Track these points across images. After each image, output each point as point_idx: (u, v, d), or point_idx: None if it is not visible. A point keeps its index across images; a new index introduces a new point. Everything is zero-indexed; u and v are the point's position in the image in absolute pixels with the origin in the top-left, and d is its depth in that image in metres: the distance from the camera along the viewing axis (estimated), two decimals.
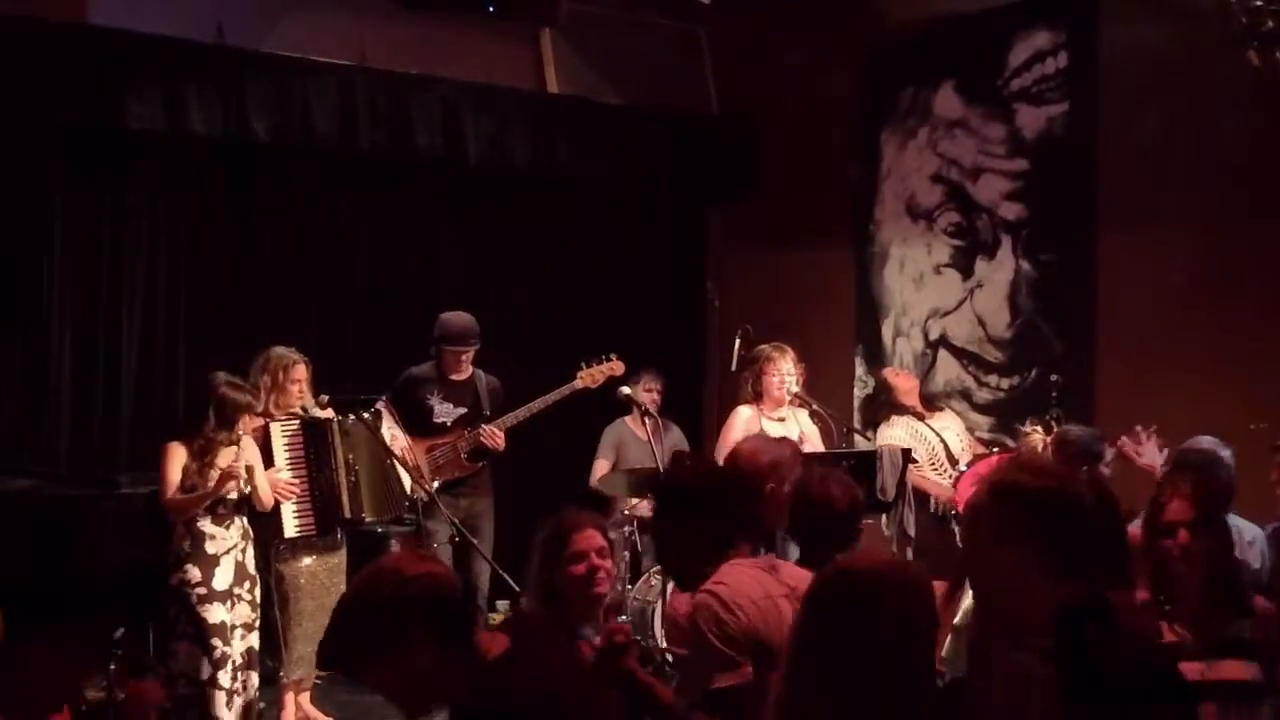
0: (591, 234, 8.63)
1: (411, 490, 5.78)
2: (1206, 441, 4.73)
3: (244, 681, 5.40)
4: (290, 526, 5.63)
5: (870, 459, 5.86)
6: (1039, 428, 6.14)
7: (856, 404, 8.11)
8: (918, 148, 7.87)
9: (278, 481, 5.59)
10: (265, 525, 5.61)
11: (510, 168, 7.96)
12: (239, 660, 5.35)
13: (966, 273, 7.60)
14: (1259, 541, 4.57)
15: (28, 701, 2.88)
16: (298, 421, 5.73)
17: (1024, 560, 2.26)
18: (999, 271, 7.39)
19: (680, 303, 9.01)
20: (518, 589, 5.84)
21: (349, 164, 7.62)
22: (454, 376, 6.42)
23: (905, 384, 6.73)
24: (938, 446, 6.45)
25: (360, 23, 7.58)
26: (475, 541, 5.62)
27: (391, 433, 5.98)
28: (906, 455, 5.96)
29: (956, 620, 4.84)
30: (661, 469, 6.07)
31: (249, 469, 5.35)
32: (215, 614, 5.29)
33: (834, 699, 2.18)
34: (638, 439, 7.30)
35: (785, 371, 6.07)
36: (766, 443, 4.18)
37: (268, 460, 5.60)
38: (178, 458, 5.32)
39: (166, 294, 7.27)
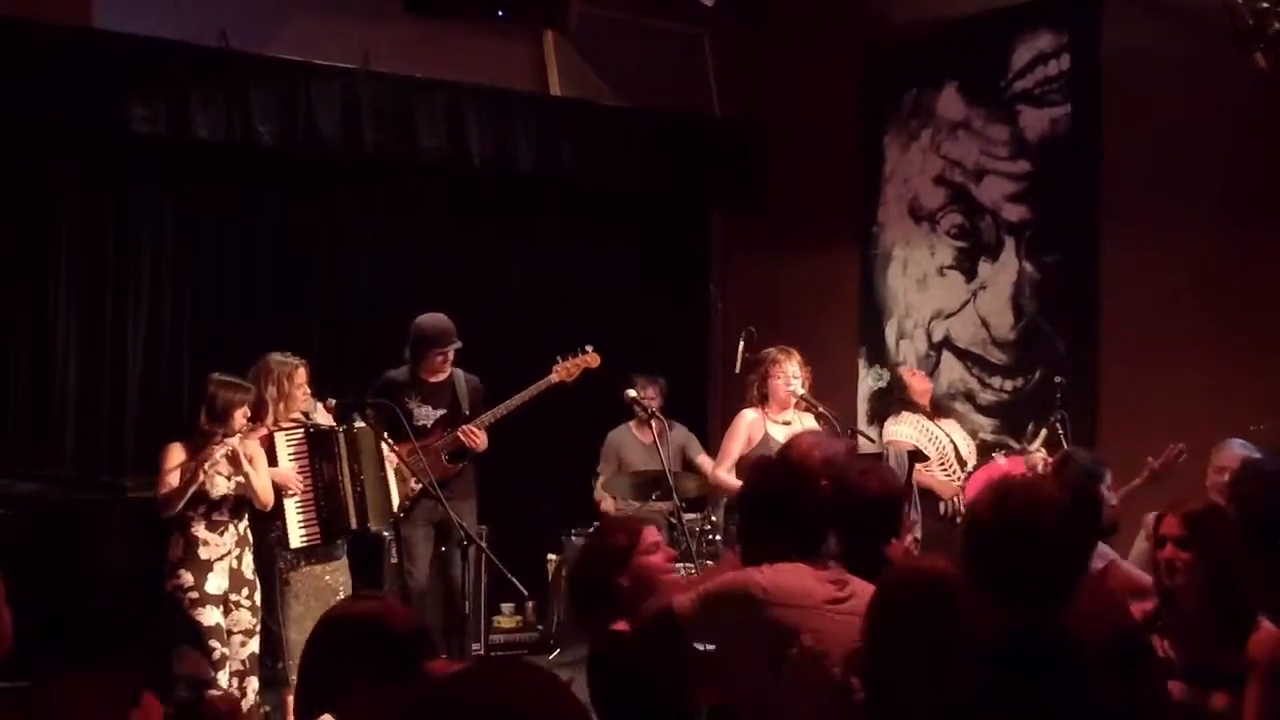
0: (594, 237, 8.63)
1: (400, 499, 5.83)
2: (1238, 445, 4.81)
3: (245, 687, 5.39)
4: (295, 537, 5.61)
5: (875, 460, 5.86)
6: (1040, 447, 6.15)
7: (866, 397, 8.10)
8: (920, 149, 7.88)
9: (286, 475, 5.58)
10: (267, 529, 5.62)
11: (514, 170, 7.97)
12: (239, 666, 5.36)
13: (970, 274, 7.60)
14: None
15: None
16: (301, 431, 5.71)
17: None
18: (1002, 273, 7.39)
19: (683, 305, 9.01)
20: (524, 591, 5.91)
21: (353, 167, 7.63)
22: (434, 379, 6.29)
23: (920, 385, 6.73)
24: (948, 447, 6.45)
25: (363, 26, 7.58)
26: (481, 543, 5.62)
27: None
28: (913, 456, 5.96)
29: None
30: (668, 471, 6.10)
31: (249, 459, 5.34)
32: (209, 617, 5.29)
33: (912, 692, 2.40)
34: (640, 443, 7.32)
35: (792, 374, 6.06)
36: (821, 439, 4.18)
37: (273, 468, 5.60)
38: (175, 457, 5.32)
39: (171, 297, 7.28)
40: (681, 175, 8.58)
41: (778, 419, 6.09)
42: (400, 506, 6.01)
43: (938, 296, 7.80)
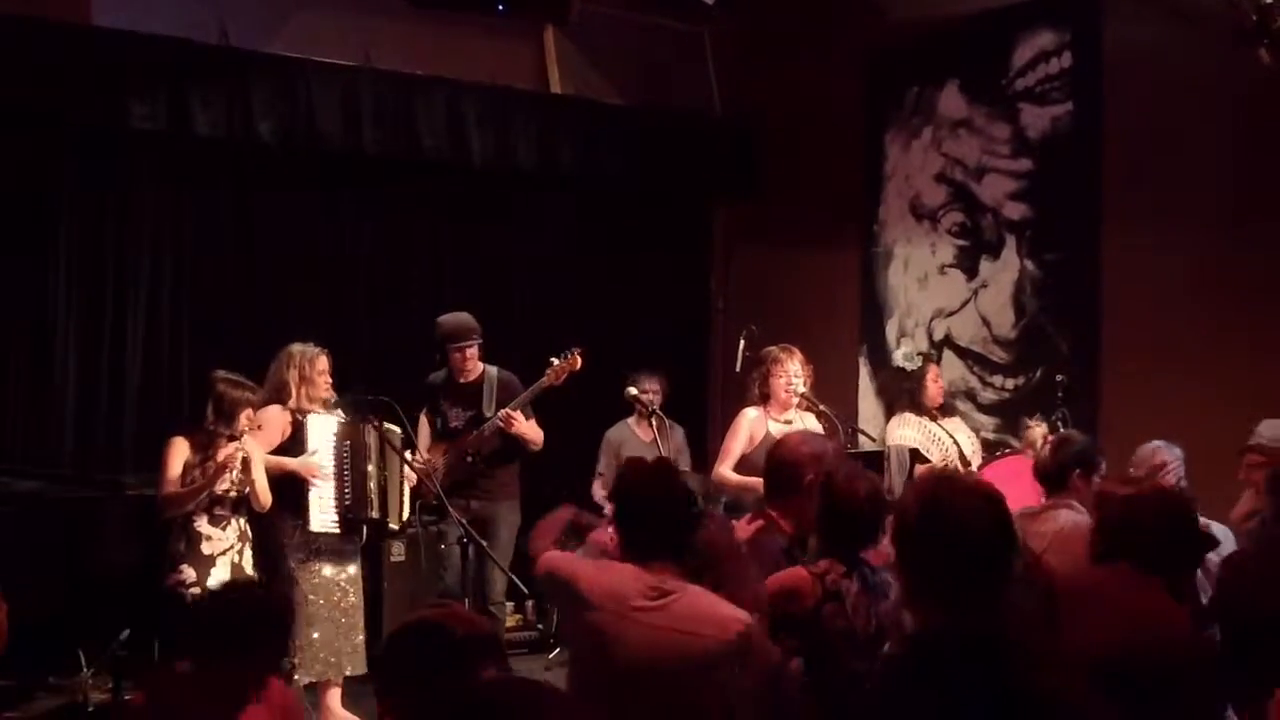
0: (595, 235, 8.63)
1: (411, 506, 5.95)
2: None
3: None
4: (316, 521, 5.66)
5: (877, 459, 5.86)
6: (1043, 423, 6.15)
7: (874, 391, 8.09)
8: (922, 147, 7.87)
9: (311, 464, 5.62)
10: (268, 527, 5.62)
11: (514, 168, 7.97)
12: None
13: (971, 273, 7.60)
14: (1228, 541, 4.57)
15: None
16: (337, 421, 5.77)
17: None
18: (1003, 271, 7.39)
19: (684, 304, 9.01)
20: (526, 591, 5.89)
21: (353, 164, 7.62)
22: (462, 378, 6.41)
23: (935, 390, 6.74)
24: (951, 448, 6.45)
25: (364, 23, 7.58)
26: (485, 543, 5.62)
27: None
28: (914, 455, 5.95)
29: None
30: None
31: (245, 462, 5.34)
32: None
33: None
34: (640, 440, 7.30)
35: (793, 373, 6.05)
36: (811, 436, 4.18)
37: (300, 450, 5.65)
38: (180, 452, 5.32)
39: (171, 294, 7.28)
40: (682, 173, 8.58)
41: (779, 418, 6.07)
42: (412, 510, 6.08)
43: (939, 295, 7.79)
